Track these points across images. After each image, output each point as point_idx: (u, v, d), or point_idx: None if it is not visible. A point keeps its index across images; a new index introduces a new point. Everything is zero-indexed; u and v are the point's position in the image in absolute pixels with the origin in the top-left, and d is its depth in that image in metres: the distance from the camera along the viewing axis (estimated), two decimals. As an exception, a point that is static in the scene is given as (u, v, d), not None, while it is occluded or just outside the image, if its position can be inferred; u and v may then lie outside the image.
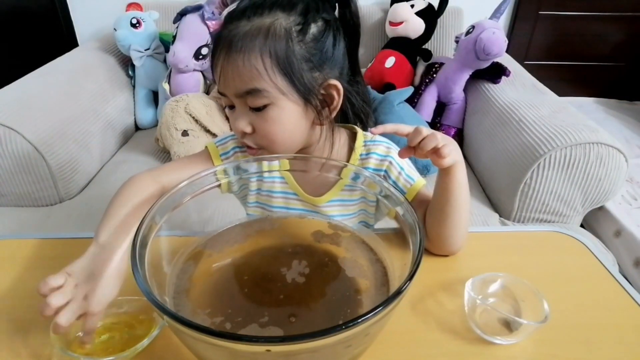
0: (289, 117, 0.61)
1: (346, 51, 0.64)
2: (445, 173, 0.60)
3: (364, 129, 0.72)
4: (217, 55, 0.60)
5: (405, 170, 0.69)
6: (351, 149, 0.71)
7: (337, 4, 0.65)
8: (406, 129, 0.57)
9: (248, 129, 0.62)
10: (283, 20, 0.58)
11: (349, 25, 0.65)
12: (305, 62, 0.59)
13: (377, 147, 0.70)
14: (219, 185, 0.57)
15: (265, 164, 0.61)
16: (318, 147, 0.69)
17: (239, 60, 0.57)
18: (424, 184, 0.70)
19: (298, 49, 0.58)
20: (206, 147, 0.73)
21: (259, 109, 0.60)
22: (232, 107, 0.63)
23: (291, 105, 0.60)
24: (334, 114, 0.65)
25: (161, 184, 0.65)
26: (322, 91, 0.62)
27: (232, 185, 0.64)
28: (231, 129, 0.67)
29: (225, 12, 1.51)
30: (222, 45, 0.59)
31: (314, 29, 0.59)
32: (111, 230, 0.55)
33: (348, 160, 0.71)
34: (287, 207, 0.71)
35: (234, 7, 0.61)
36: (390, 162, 0.69)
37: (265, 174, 0.66)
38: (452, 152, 0.56)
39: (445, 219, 0.61)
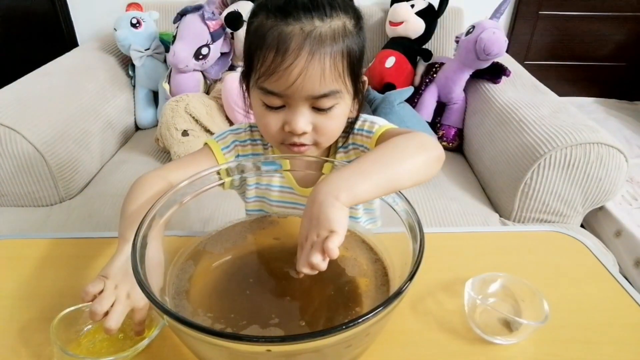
0: (345, 113, 0.63)
1: None
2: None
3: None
4: (290, 55, 0.55)
5: (367, 126, 0.70)
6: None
7: None
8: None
9: (309, 128, 0.61)
10: (348, 21, 0.58)
11: None
12: (360, 60, 0.61)
13: (354, 136, 0.71)
14: (222, 184, 0.58)
15: (263, 169, 0.61)
16: None
17: (327, 62, 0.55)
18: (387, 128, 0.69)
19: (358, 49, 0.59)
20: (206, 143, 0.73)
21: (324, 109, 0.59)
22: (278, 107, 0.60)
23: (349, 102, 0.63)
24: (361, 106, 0.67)
25: (169, 181, 0.65)
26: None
27: (234, 181, 0.65)
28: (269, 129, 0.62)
29: (225, 12, 1.51)
30: (302, 44, 0.54)
31: (363, 29, 0.61)
32: (135, 227, 0.55)
33: (329, 149, 0.72)
34: (283, 201, 0.72)
35: (281, 3, 0.56)
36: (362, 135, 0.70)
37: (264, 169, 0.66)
38: (333, 240, 0.43)
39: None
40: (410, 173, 0.54)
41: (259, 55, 0.57)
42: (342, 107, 0.62)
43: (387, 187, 0.51)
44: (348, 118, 0.66)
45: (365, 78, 0.66)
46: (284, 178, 0.71)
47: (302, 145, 0.63)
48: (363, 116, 0.71)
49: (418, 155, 0.56)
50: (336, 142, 0.72)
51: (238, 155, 0.73)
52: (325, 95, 0.58)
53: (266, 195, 0.72)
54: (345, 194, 0.46)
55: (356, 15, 0.60)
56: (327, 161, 0.62)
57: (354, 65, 0.59)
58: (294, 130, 0.59)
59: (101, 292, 0.48)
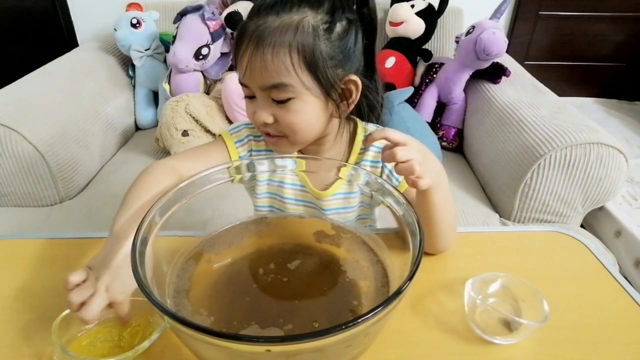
0: (311, 110, 0.63)
1: (363, 48, 0.66)
2: (421, 194, 0.60)
3: (376, 120, 0.74)
4: (243, 48, 0.60)
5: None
6: (352, 139, 0.73)
7: (355, 3, 0.66)
8: (394, 136, 0.55)
9: (270, 120, 0.63)
10: (311, 18, 0.59)
11: (367, 23, 0.66)
12: (330, 59, 0.61)
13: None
14: (232, 180, 0.58)
15: (278, 162, 0.62)
16: (331, 137, 0.71)
17: (267, 55, 0.58)
18: None
19: (324, 47, 0.60)
20: (219, 135, 0.74)
21: (281, 102, 0.61)
22: (252, 97, 0.64)
23: (313, 99, 0.62)
24: (351, 108, 0.67)
25: (179, 174, 0.66)
26: (342, 86, 0.64)
27: (244, 176, 0.65)
28: (249, 117, 0.68)
29: (225, 12, 1.51)
30: (249, 38, 0.59)
31: (339, 27, 0.61)
32: (126, 220, 0.56)
33: (350, 151, 0.73)
34: (296, 199, 0.72)
35: (261, 0, 0.61)
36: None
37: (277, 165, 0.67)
38: (426, 180, 0.56)
39: (427, 226, 0.61)
40: (447, 223, 0.63)
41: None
42: (303, 104, 0.61)
43: (443, 211, 0.61)
44: (333, 117, 0.66)
45: (353, 78, 0.63)
46: (297, 176, 0.71)
47: (270, 135, 0.66)
48: (380, 127, 0.72)
49: (453, 224, 0.66)
50: (353, 142, 0.73)
51: (251, 150, 0.74)
52: (274, 87, 0.59)
53: (278, 192, 0.72)
54: (434, 182, 0.58)
55: (331, 20, 0.60)
56: (342, 165, 0.61)
57: (313, 63, 0.59)
58: (255, 119, 0.64)
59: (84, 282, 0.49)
